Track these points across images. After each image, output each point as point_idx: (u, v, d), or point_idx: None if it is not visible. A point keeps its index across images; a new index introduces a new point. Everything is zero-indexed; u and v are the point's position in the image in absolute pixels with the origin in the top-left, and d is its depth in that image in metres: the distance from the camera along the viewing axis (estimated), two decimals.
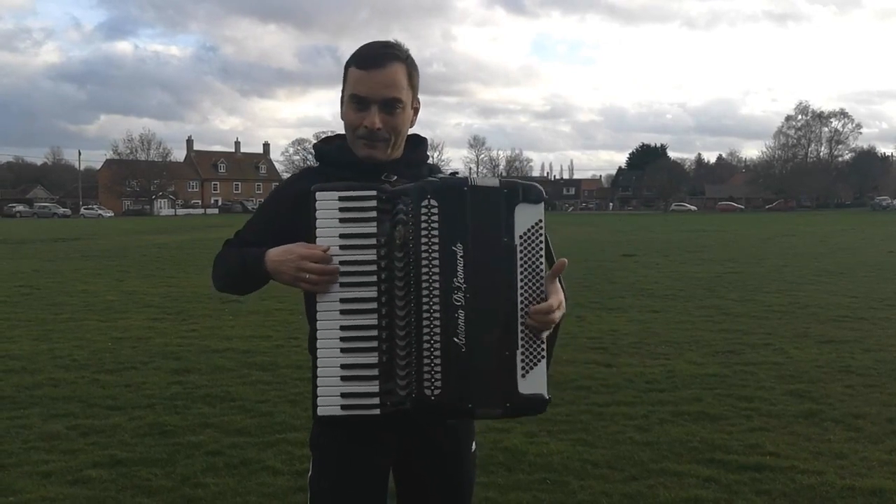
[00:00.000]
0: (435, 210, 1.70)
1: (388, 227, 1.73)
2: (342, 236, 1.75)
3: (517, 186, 1.76)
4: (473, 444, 2.05)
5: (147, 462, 4.35)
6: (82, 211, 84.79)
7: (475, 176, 1.78)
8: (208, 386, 6.07)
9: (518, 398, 1.75)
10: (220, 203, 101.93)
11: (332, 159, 1.97)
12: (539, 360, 1.78)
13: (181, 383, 6.16)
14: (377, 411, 1.74)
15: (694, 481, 4.06)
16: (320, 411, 1.76)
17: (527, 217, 1.75)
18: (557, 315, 1.79)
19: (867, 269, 15.36)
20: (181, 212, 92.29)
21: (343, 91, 1.93)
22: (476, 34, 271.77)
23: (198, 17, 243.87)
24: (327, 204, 1.75)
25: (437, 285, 1.69)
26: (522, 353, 1.76)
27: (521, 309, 1.75)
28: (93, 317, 9.74)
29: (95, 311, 10.30)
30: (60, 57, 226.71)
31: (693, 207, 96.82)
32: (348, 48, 1.95)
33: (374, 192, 1.75)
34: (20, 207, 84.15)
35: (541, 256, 1.77)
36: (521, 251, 1.74)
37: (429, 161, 2.07)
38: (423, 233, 1.70)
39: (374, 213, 1.74)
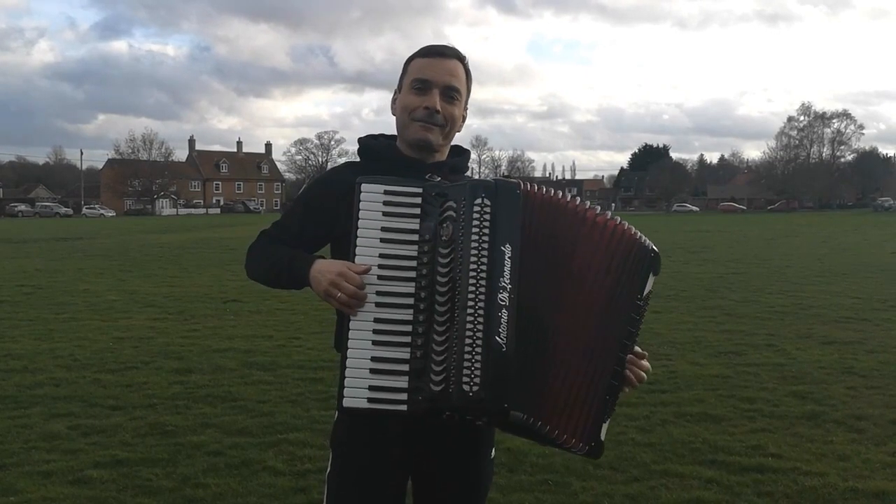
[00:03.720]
0: (488, 209, 1.70)
1: (433, 223, 1.73)
2: (384, 229, 1.75)
3: (658, 258, 1.88)
4: (493, 450, 2.05)
5: (148, 462, 4.34)
6: (84, 210, 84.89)
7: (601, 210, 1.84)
8: (210, 386, 6.06)
9: (598, 442, 1.86)
10: (222, 203, 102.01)
11: (378, 154, 2.01)
12: (612, 411, 1.89)
13: (182, 383, 6.16)
14: (404, 408, 1.72)
15: (696, 482, 4.05)
16: (346, 402, 1.73)
17: (649, 285, 1.88)
18: (644, 378, 1.93)
19: (870, 271, 15.34)
20: (183, 211, 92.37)
21: (400, 84, 2.02)
22: (468, 34, 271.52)
23: (189, 16, 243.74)
24: (372, 196, 1.75)
25: (483, 283, 1.69)
26: (608, 402, 1.86)
27: (622, 363, 1.87)
28: (94, 316, 9.75)
29: (97, 310, 10.30)
30: (57, 56, 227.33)
31: (695, 208, 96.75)
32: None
33: (420, 189, 1.76)
34: (22, 207, 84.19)
35: (641, 321, 1.89)
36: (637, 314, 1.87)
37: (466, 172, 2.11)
38: (475, 230, 1.69)
39: (418, 210, 1.74)
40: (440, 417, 1.72)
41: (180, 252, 22.03)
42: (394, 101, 2.03)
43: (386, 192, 1.75)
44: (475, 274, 1.68)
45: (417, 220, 1.74)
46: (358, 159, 2.07)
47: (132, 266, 17.38)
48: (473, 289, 1.68)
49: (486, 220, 1.69)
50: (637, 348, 1.91)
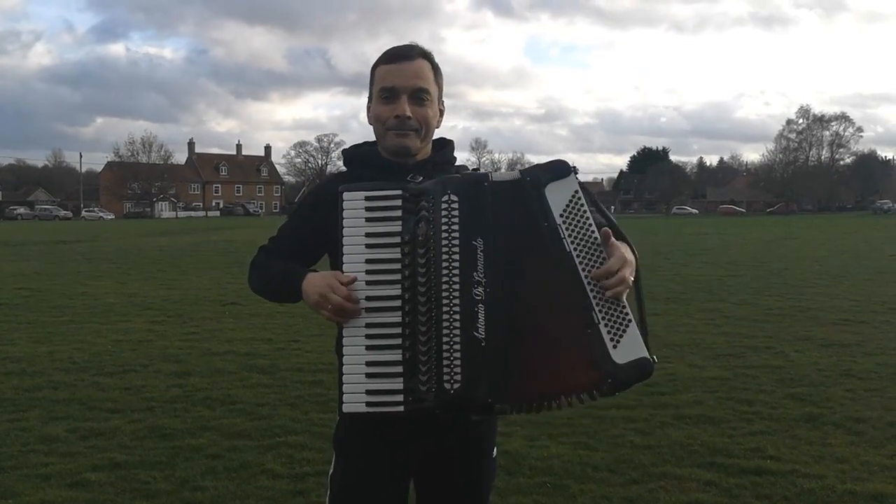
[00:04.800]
0: (455, 206, 1.72)
1: (412, 225, 1.75)
2: (368, 235, 1.78)
3: (537, 169, 1.78)
4: (495, 448, 2.06)
5: (146, 465, 4.34)
6: (83, 213, 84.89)
7: (495, 172, 1.83)
8: (208, 389, 6.06)
9: (617, 370, 1.72)
10: (221, 206, 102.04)
11: (363, 160, 2.02)
12: (627, 325, 1.74)
13: (181, 386, 6.15)
14: (401, 408, 1.75)
15: (694, 485, 4.05)
16: (345, 408, 1.78)
17: (560, 194, 1.75)
18: (626, 272, 1.74)
19: (868, 273, 15.34)
20: (182, 214, 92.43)
21: (370, 92, 2.01)
22: (465, 37, 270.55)
23: (186, 19, 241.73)
24: (354, 204, 1.79)
25: (456, 280, 1.70)
26: (606, 325, 1.72)
27: (588, 282, 1.72)
28: (93, 319, 9.74)
29: (96, 313, 10.30)
30: (54, 59, 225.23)
31: (695, 210, 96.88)
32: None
33: (399, 192, 1.78)
34: (21, 210, 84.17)
35: (590, 225, 1.75)
36: (566, 228, 1.73)
37: (456, 163, 2.10)
38: (444, 228, 1.71)
39: (399, 213, 1.77)
40: (436, 416, 1.75)
41: (179, 255, 22.01)
42: (368, 109, 2.03)
43: (367, 199, 1.79)
44: (447, 272, 1.71)
45: (399, 223, 1.76)
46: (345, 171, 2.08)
47: (131, 269, 17.37)
48: (447, 286, 1.71)
49: (454, 216, 1.71)
50: (624, 261, 1.74)
